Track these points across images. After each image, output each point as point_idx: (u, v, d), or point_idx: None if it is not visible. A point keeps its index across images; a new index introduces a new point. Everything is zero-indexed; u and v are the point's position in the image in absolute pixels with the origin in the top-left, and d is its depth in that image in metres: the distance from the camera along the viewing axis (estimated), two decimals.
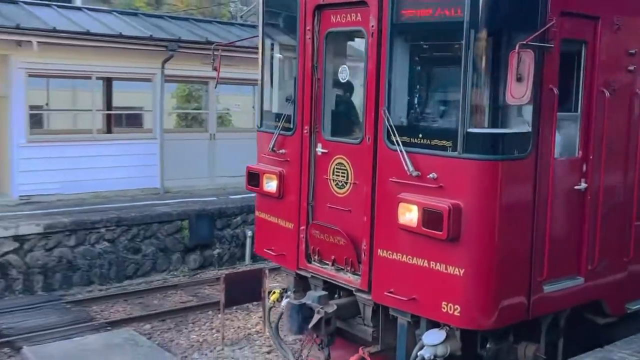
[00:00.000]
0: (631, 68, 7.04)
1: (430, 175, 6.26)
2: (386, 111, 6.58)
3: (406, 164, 6.42)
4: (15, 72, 15.07)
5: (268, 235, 8.21)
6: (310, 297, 7.22)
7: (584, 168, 6.83)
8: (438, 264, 6.27)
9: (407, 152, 6.44)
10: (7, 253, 12.60)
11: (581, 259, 6.91)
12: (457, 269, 6.18)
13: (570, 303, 6.98)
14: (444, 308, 6.21)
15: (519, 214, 6.26)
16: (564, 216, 6.75)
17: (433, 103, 7.01)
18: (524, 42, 5.63)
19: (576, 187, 6.80)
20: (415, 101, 6.97)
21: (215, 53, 8.60)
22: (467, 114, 6.11)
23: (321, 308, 7.03)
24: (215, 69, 8.62)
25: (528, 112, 6.27)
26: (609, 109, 6.88)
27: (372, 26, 6.70)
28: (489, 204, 6.09)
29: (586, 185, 6.82)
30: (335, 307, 7.10)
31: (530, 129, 6.24)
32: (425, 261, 6.34)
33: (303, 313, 7.06)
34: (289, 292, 8.09)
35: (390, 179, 6.62)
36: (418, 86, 7.04)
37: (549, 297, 6.61)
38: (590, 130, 6.80)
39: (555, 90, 6.32)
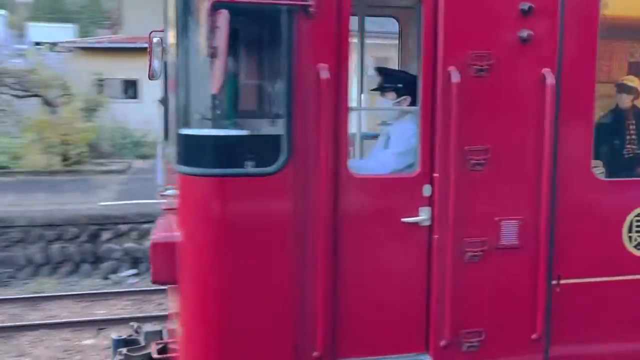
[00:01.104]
0: (524, 34, 4.39)
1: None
2: None
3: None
4: None
5: None
6: None
7: (425, 191, 4.43)
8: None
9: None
10: None
11: (428, 328, 4.51)
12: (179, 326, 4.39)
13: None
14: None
15: (264, 258, 4.21)
16: (385, 263, 4.45)
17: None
18: None
19: (407, 220, 4.43)
20: None
21: None
22: (180, 105, 4.28)
23: None
24: None
25: (279, 105, 4.20)
26: (476, 100, 4.38)
27: None
28: (207, 239, 4.18)
29: (430, 216, 4.42)
30: None
31: (284, 132, 4.16)
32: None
33: None
34: None
35: None
36: None
37: None
38: (436, 134, 4.38)
39: (335, 73, 4.15)
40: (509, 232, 4.52)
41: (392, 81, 4.84)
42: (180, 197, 4.26)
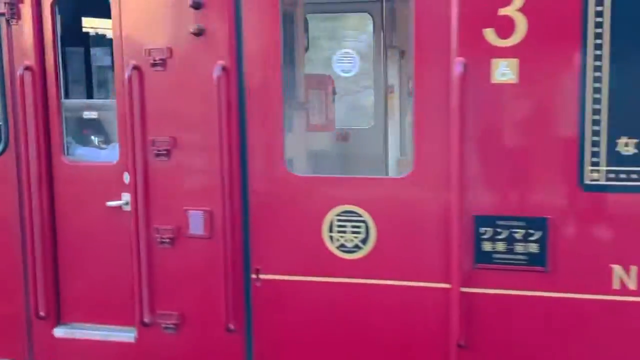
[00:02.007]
0: (196, 29, 4.47)
1: None
2: None
3: None
4: None
5: None
6: None
7: (125, 178, 4.80)
8: None
9: None
10: None
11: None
12: None
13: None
14: None
15: None
16: (96, 242, 4.93)
17: None
18: None
19: (111, 204, 4.84)
20: None
21: None
22: None
23: None
24: None
25: None
26: (157, 93, 4.64)
27: None
28: None
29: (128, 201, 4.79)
30: None
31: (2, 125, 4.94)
32: None
33: None
34: None
35: None
36: None
37: (64, 343, 5.01)
38: (129, 126, 4.71)
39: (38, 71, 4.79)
40: (196, 222, 4.65)
41: None
42: None
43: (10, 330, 5.13)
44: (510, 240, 4.14)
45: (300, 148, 5.18)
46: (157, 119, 4.64)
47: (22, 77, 4.77)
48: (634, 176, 3.92)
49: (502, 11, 3.99)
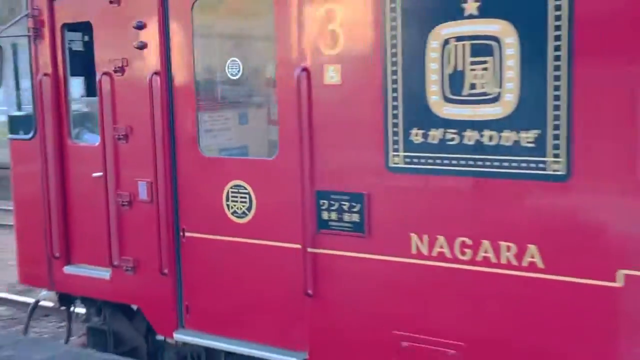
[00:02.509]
0: (139, 44, 5.99)
1: None
2: None
3: None
4: None
5: None
6: None
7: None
8: None
9: None
10: None
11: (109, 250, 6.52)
12: None
13: (99, 294, 6.64)
14: None
15: (29, 190, 6.96)
16: (91, 203, 6.64)
17: None
18: None
19: (95, 175, 6.53)
20: None
21: None
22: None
23: None
24: None
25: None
26: (117, 93, 6.25)
27: None
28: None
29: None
30: None
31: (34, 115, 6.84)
32: None
33: None
34: None
35: None
36: None
37: (70, 277, 6.81)
38: (103, 117, 6.36)
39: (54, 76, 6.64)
40: (142, 190, 6.17)
41: None
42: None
43: (41, 266, 7.03)
44: (340, 211, 5.16)
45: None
46: (119, 112, 6.24)
47: (40, 82, 6.61)
48: (422, 160, 4.78)
49: (330, 26, 5.04)
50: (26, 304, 8.83)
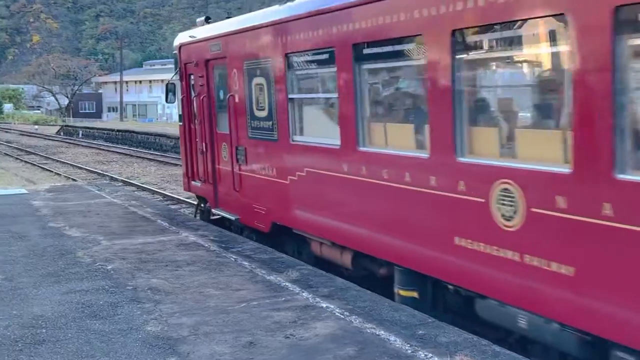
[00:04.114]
0: (201, 83, 13.97)
1: None
2: None
3: None
4: None
5: None
6: None
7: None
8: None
9: None
10: None
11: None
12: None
13: (199, 191, 14.89)
14: None
15: (184, 148, 15.61)
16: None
17: None
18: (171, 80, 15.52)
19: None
20: None
21: None
22: None
23: None
24: None
25: None
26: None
27: None
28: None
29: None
30: None
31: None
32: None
33: None
34: None
35: None
36: None
37: (193, 186, 15.22)
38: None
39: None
40: (200, 146, 14.25)
41: None
42: None
43: (186, 180, 15.58)
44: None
45: None
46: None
47: (182, 99, 15.03)
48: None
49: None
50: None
